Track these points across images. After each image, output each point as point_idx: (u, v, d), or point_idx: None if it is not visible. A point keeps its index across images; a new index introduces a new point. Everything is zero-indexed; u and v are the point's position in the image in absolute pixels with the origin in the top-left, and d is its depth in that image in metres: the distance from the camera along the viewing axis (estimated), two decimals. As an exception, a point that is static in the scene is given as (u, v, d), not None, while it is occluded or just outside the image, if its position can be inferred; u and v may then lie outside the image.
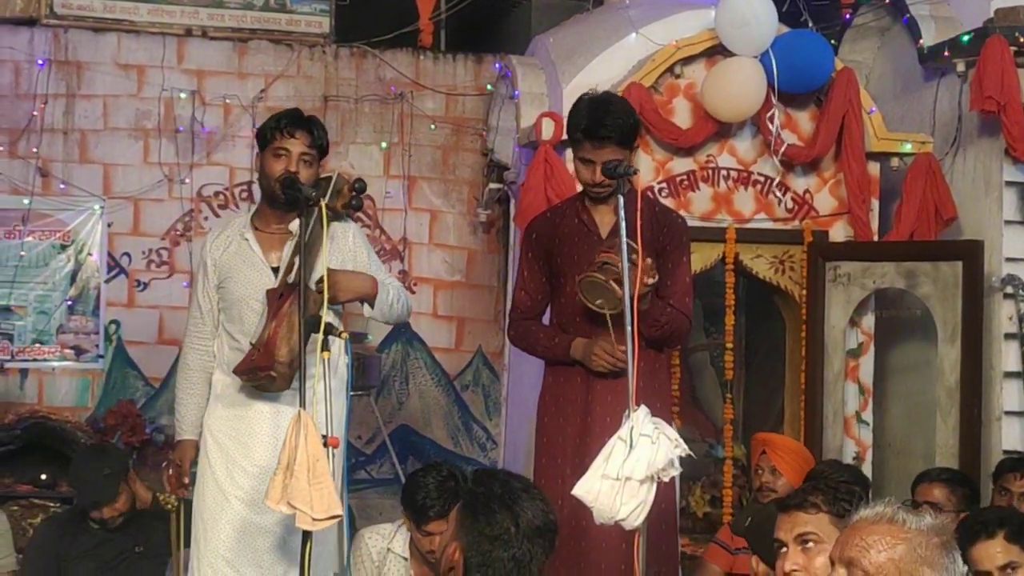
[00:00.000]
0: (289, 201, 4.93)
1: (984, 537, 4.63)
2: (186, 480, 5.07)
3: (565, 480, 4.76)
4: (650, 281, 4.80)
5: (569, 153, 7.13)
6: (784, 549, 3.64)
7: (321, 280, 4.74)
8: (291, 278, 4.84)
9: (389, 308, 5.06)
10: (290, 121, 5.02)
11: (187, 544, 5.25)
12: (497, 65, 8.67)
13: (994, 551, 4.58)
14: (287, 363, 4.71)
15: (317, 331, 4.53)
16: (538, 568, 3.31)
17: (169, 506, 5.17)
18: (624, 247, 4.57)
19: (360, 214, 8.80)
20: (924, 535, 2.83)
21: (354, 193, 4.95)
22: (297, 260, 4.80)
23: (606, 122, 4.96)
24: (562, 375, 5.18)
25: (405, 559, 5.33)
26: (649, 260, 4.81)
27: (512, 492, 3.32)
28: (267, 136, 5.00)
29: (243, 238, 5.06)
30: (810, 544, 3.58)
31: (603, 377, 5.03)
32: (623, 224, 4.57)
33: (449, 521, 3.43)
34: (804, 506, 3.64)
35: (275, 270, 5.02)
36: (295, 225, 5.02)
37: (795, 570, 3.56)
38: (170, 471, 5.13)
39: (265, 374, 4.80)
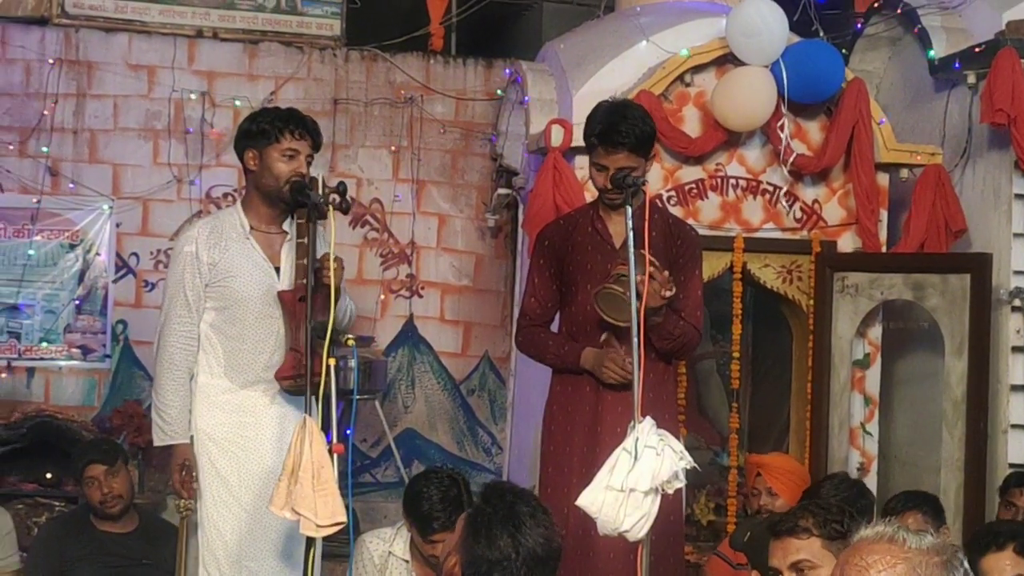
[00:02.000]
0: (295, 203, 4.92)
1: (994, 549, 4.63)
2: (196, 484, 4.94)
3: (572, 489, 4.74)
4: (668, 294, 4.81)
5: (578, 160, 7.16)
6: None
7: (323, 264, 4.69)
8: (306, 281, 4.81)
9: (346, 308, 5.08)
10: (298, 123, 4.98)
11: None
12: (507, 70, 8.67)
13: (1003, 563, 4.59)
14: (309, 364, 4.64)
15: (323, 336, 4.52)
16: None
17: (187, 511, 5.04)
18: (632, 259, 4.57)
19: (369, 217, 8.84)
20: (925, 555, 2.82)
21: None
22: (306, 262, 4.79)
23: (620, 128, 4.96)
24: (571, 384, 5.17)
25: (406, 561, 5.32)
26: (667, 273, 4.82)
27: (517, 516, 3.30)
28: (272, 135, 4.93)
29: (245, 238, 5.02)
30: (805, 571, 3.57)
31: (613, 388, 5.03)
32: (631, 235, 4.57)
33: (455, 529, 3.43)
34: (795, 531, 3.61)
35: (277, 270, 5.01)
36: (288, 224, 5.02)
37: None
38: (183, 475, 4.94)
39: (317, 378, 4.68)
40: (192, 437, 4.99)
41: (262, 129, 4.97)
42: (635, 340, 4.52)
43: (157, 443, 5.07)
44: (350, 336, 4.78)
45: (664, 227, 5.13)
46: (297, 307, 4.81)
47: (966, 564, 2.86)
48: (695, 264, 5.22)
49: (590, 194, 7.10)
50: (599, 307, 4.87)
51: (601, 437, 5.00)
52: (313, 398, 4.46)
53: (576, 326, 5.19)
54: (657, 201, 6.38)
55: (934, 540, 2.85)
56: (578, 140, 7.11)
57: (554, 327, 5.40)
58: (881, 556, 2.82)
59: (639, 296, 4.60)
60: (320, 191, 4.81)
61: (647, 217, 4.63)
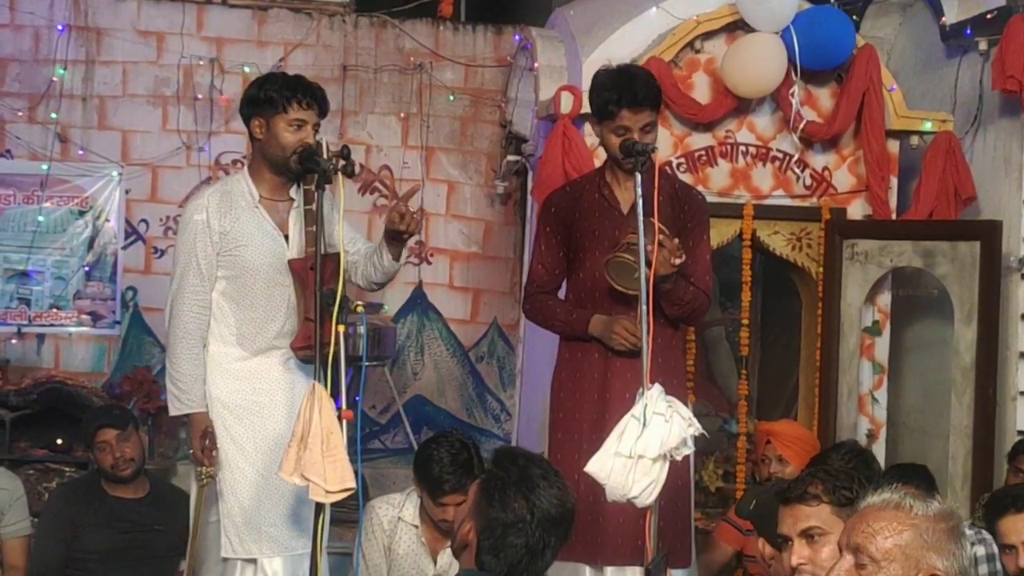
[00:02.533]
0: (303, 171, 4.92)
1: (1013, 511, 4.69)
2: (216, 452, 4.93)
3: (582, 455, 4.74)
4: (678, 262, 4.82)
5: (588, 127, 7.12)
6: (789, 543, 3.63)
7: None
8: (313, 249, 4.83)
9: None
10: (305, 92, 4.97)
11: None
12: (517, 37, 8.64)
13: (1021, 525, 4.64)
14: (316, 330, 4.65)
15: (333, 303, 4.53)
16: (552, 555, 3.32)
17: (208, 479, 5.00)
18: (642, 226, 4.57)
19: (378, 184, 8.83)
20: (931, 521, 2.84)
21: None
22: (315, 230, 4.80)
23: (638, 87, 5.03)
24: (579, 351, 5.18)
25: (416, 527, 5.35)
26: (677, 240, 4.83)
27: (530, 479, 3.32)
28: (280, 104, 4.92)
29: (255, 207, 5.02)
30: (815, 537, 3.57)
31: (621, 354, 5.04)
32: (640, 203, 4.57)
33: (468, 496, 3.44)
34: (805, 498, 3.62)
35: (286, 238, 5.01)
36: (295, 191, 5.03)
37: (802, 564, 3.55)
38: (207, 442, 4.91)
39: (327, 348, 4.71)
40: (207, 405, 4.99)
41: (269, 97, 4.95)
42: (642, 308, 4.52)
43: (173, 412, 5.07)
44: (359, 303, 4.78)
45: (671, 192, 5.14)
46: (308, 275, 4.81)
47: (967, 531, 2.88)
48: (703, 229, 5.23)
49: (599, 160, 7.10)
50: (609, 275, 4.88)
51: (610, 403, 5.02)
52: (322, 365, 4.48)
53: (584, 293, 5.20)
54: (665, 168, 6.36)
55: (940, 507, 2.86)
56: (588, 107, 7.10)
57: (561, 294, 5.41)
58: (888, 523, 2.84)
59: (648, 264, 4.61)
60: (325, 156, 4.82)
61: (656, 184, 4.64)
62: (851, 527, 2.89)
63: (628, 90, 5.02)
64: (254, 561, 4.96)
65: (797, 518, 3.61)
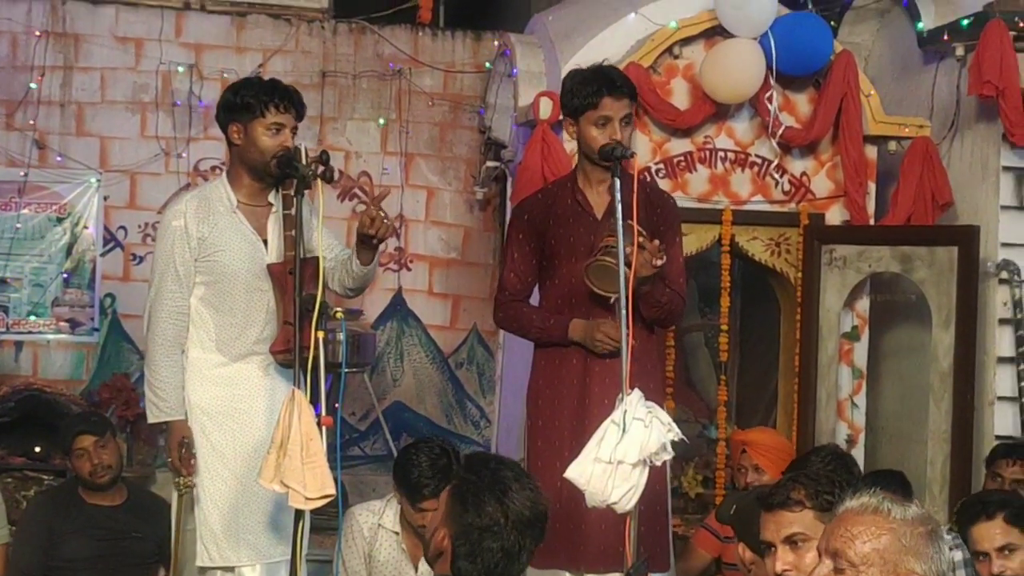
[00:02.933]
0: (282, 176, 4.91)
1: (984, 518, 4.68)
2: (194, 461, 4.92)
3: (563, 462, 4.72)
4: (659, 263, 4.84)
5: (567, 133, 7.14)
6: (773, 549, 3.63)
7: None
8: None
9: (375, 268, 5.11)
10: (282, 96, 4.95)
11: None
12: (496, 43, 8.65)
13: (993, 532, 4.65)
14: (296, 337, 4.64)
15: (312, 309, 4.52)
16: (527, 557, 3.32)
17: (187, 489, 5.00)
18: (621, 230, 4.58)
19: (357, 190, 8.82)
20: (909, 525, 2.84)
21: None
22: (294, 234, 4.79)
23: (615, 76, 5.12)
24: (556, 357, 5.17)
25: (396, 533, 5.34)
26: (657, 241, 4.84)
27: (502, 482, 3.32)
28: (257, 109, 4.90)
29: (233, 212, 5.01)
30: (799, 543, 3.57)
31: (601, 358, 5.04)
32: (619, 207, 4.57)
33: (440, 503, 3.44)
34: (788, 504, 3.61)
35: (265, 243, 5.00)
36: (272, 196, 5.02)
37: (787, 570, 3.55)
38: (184, 451, 4.90)
39: (308, 352, 4.71)
40: (186, 412, 4.98)
41: (246, 103, 4.93)
42: (622, 312, 4.52)
43: (152, 420, 5.05)
44: (338, 309, 4.76)
45: (644, 197, 5.15)
46: (287, 279, 4.81)
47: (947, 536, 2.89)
48: (676, 232, 5.25)
49: (578, 167, 7.12)
50: (589, 280, 4.87)
51: (589, 409, 5.01)
52: (302, 371, 4.47)
53: (560, 299, 5.19)
54: (644, 174, 6.38)
55: (918, 511, 2.87)
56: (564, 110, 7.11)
57: (532, 301, 5.40)
58: (866, 527, 2.84)
59: (628, 265, 4.62)
60: (303, 161, 4.81)
61: (635, 188, 4.65)
62: (830, 532, 2.89)
63: (608, 79, 5.07)
64: (232, 570, 4.95)
65: (780, 524, 3.61)
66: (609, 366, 5.00)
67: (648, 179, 6.41)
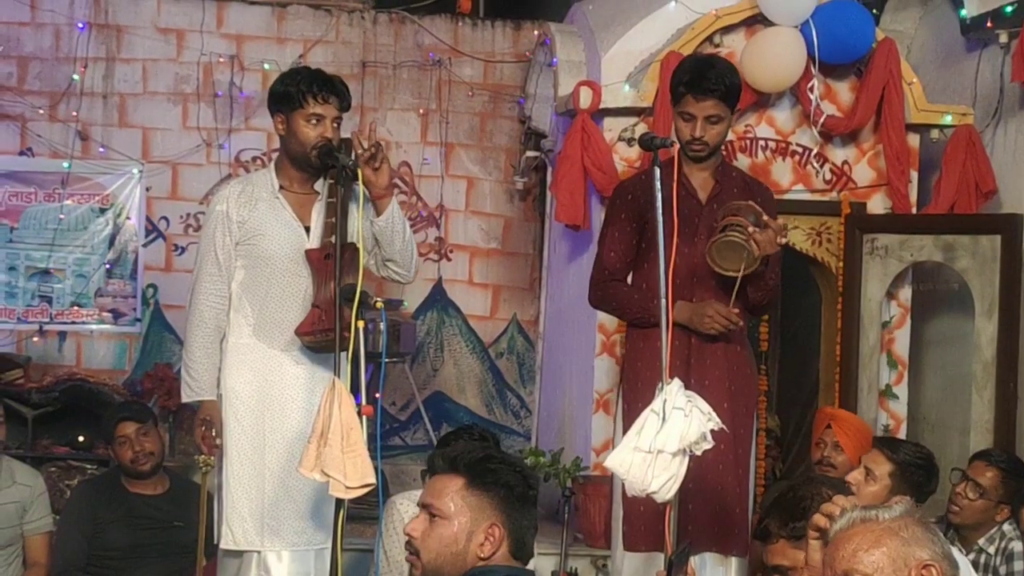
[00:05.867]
0: (323, 167, 4.94)
1: None
2: (219, 441, 5.00)
3: None
4: (783, 240, 4.93)
5: (607, 122, 7.14)
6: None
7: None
8: (335, 239, 4.84)
9: (404, 227, 5.01)
10: (322, 86, 4.96)
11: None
12: (536, 32, 8.64)
13: None
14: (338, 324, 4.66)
15: (351, 299, 4.53)
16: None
17: (208, 466, 5.13)
18: (660, 220, 4.57)
19: (397, 180, 8.83)
20: (900, 520, 2.83)
21: (375, 157, 4.83)
22: (334, 222, 4.81)
23: (710, 75, 5.09)
24: (656, 338, 5.10)
25: (437, 523, 5.34)
26: (780, 221, 4.90)
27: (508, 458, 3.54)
28: (296, 100, 4.93)
29: (275, 197, 5.04)
30: (787, 571, 3.58)
31: (707, 340, 5.09)
32: (659, 195, 4.56)
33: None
34: (767, 537, 3.65)
35: (307, 230, 5.01)
36: (319, 185, 5.03)
37: None
38: (204, 430, 5.00)
39: (333, 335, 4.74)
40: (220, 395, 5.03)
41: (287, 92, 4.97)
42: (663, 301, 4.51)
43: (184, 399, 5.16)
44: (378, 299, 4.77)
45: (743, 185, 5.18)
46: (323, 265, 4.83)
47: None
48: (773, 220, 5.22)
49: (619, 156, 7.12)
50: (712, 258, 4.90)
51: (693, 388, 4.95)
52: (343, 357, 4.49)
53: (658, 281, 5.15)
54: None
55: (903, 507, 2.87)
56: (607, 102, 7.12)
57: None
58: (863, 538, 2.83)
59: (746, 247, 4.81)
60: (350, 153, 4.83)
61: (675, 176, 4.66)
62: (831, 560, 2.87)
63: (697, 77, 5.07)
64: (259, 557, 4.97)
65: (766, 555, 3.66)
66: (709, 348, 5.08)
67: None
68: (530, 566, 5.63)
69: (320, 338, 4.83)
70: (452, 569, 3.33)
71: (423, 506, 3.41)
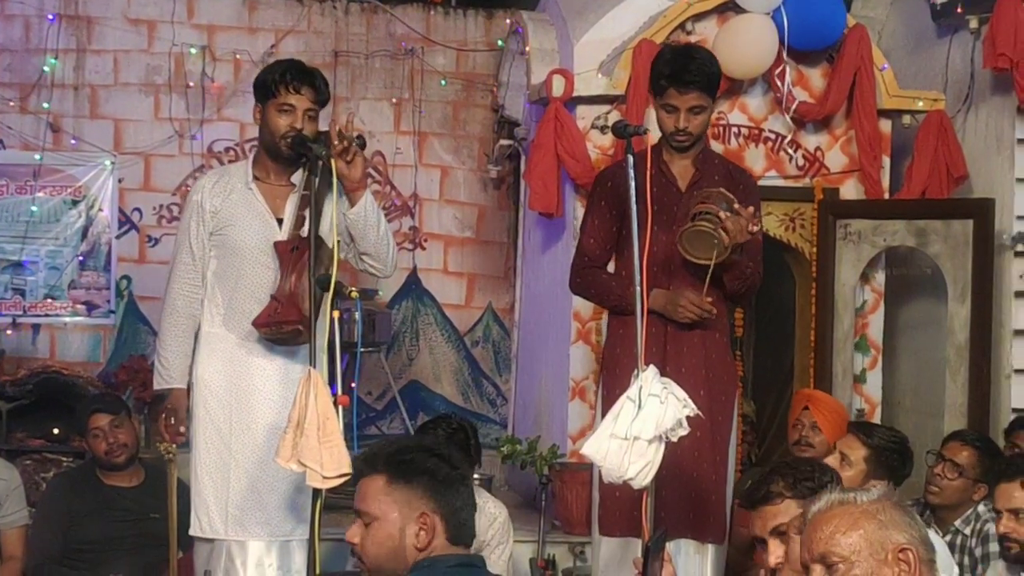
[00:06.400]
0: (295, 157, 4.93)
1: (1006, 479, 4.72)
2: (183, 429, 5.01)
3: None
4: (755, 229, 4.90)
5: (580, 110, 7.15)
6: (764, 544, 3.64)
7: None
8: (303, 232, 4.83)
9: (378, 220, 4.96)
10: (295, 76, 4.94)
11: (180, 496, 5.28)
12: (508, 20, 8.63)
13: (1012, 493, 4.68)
14: (310, 316, 4.66)
15: (327, 289, 4.53)
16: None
17: (169, 455, 5.16)
18: (635, 211, 4.57)
19: (371, 170, 8.81)
20: (878, 504, 2.85)
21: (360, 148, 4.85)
22: (307, 214, 4.81)
23: (691, 67, 5.06)
24: (634, 325, 5.11)
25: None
26: (751, 208, 4.88)
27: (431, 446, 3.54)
28: (270, 89, 4.92)
29: (247, 188, 5.02)
30: (787, 534, 3.57)
31: (682, 327, 5.07)
32: (632, 183, 4.56)
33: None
34: (770, 499, 3.63)
35: (279, 221, 5.00)
36: (297, 177, 5.02)
37: (780, 563, 3.55)
38: (167, 419, 5.01)
39: (292, 328, 4.76)
40: (191, 384, 5.04)
41: (263, 81, 4.98)
42: (637, 289, 4.51)
43: (156, 387, 5.17)
44: (353, 288, 4.76)
45: (725, 172, 5.18)
46: (288, 257, 4.83)
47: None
48: (756, 208, 5.22)
49: (592, 144, 7.12)
50: (683, 247, 4.89)
51: (669, 376, 4.97)
52: (319, 347, 4.48)
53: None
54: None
55: (879, 491, 2.89)
56: (580, 90, 7.11)
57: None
58: (841, 520, 2.85)
59: (726, 232, 4.78)
60: (324, 144, 4.82)
61: (648, 164, 4.65)
62: (807, 540, 2.89)
63: (679, 69, 5.05)
64: (241, 543, 4.97)
65: (766, 519, 3.63)
66: (685, 335, 5.07)
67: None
68: (507, 554, 5.66)
69: (275, 330, 4.84)
70: (395, 565, 3.32)
71: (355, 512, 3.42)
